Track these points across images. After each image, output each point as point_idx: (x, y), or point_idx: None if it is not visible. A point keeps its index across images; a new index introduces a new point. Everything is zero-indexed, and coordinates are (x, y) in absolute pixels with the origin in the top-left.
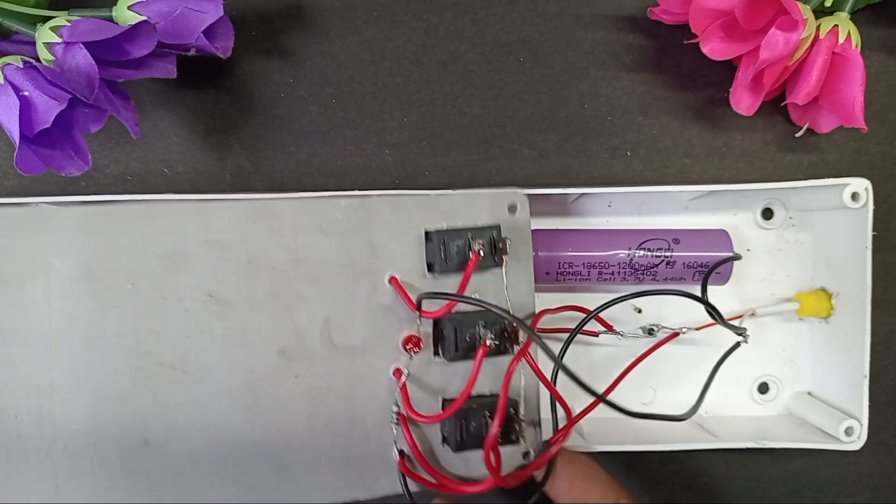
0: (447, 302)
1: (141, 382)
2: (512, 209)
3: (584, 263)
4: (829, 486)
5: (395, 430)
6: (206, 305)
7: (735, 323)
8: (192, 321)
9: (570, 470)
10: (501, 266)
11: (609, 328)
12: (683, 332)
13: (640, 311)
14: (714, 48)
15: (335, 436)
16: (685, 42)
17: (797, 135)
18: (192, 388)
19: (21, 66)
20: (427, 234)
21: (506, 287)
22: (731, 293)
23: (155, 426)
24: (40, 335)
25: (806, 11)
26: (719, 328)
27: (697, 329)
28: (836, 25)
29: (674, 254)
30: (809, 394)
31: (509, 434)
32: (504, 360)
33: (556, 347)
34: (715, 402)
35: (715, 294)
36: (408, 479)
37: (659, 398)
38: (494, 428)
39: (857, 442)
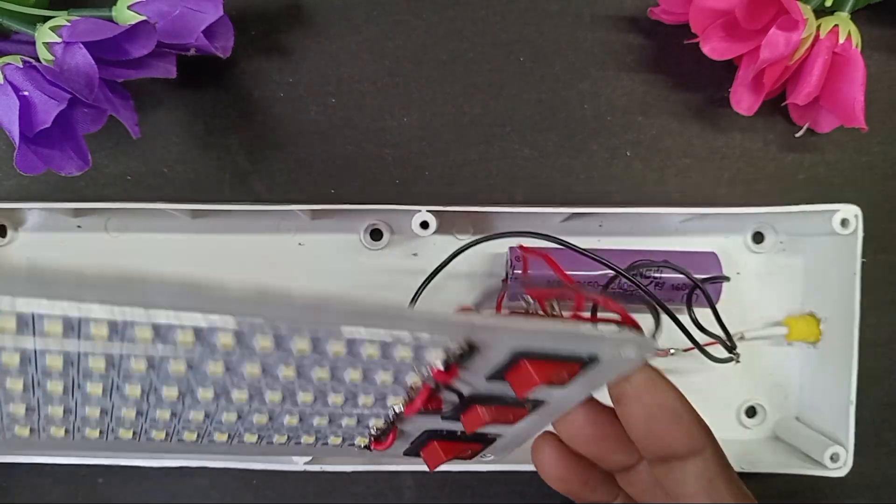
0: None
1: None
2: None
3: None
4: (830, 486)
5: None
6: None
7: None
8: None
9: (651, 395)
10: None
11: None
12: (672, 354)
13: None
14: (714, 48)
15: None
16: (685, 42)
17: (797, 134)
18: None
19: (21, 65)
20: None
21: None
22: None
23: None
24: None
25: (806, 11)
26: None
27: (685, 350)
28: (836, 25)
29: (662, 275)
30: (797, 418)
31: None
32: None
33: None
34: None
35: (703, 316)
36: None
37: None
38: None
39: (842, 468)
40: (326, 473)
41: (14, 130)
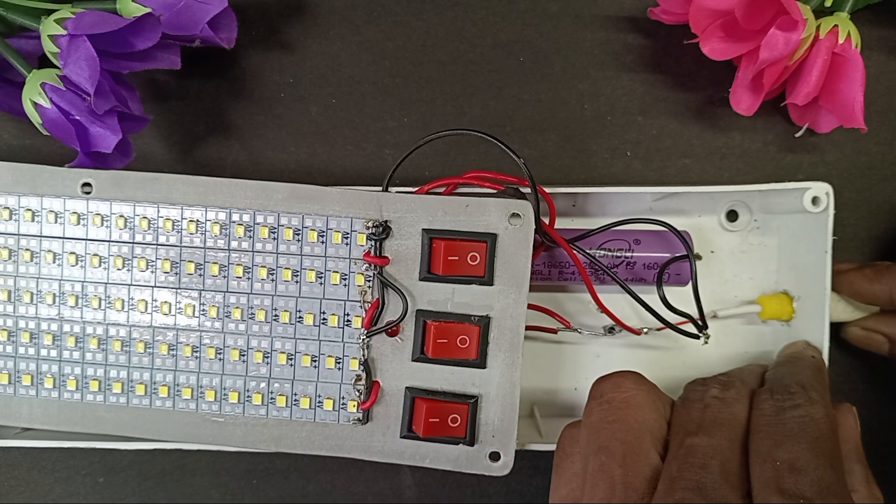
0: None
1: None
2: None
3: (544, 263)
4: None
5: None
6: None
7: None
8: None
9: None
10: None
11: (566, 325)
12: (645, 333)
13: (601, 311)
14: (714, 48)
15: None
16: (685, 42)
17: (797, 135)
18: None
19: (62, 87)
20: None
21: None
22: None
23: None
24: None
25: (806, 11)
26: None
27: (658, 330)
28: (835, 25)
29: (634, 254)
30: None
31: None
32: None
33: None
34: None
35: (676, 295)
36: None
37: None
38: None
39: None
40: (326, 473)
41: (74, 145)
